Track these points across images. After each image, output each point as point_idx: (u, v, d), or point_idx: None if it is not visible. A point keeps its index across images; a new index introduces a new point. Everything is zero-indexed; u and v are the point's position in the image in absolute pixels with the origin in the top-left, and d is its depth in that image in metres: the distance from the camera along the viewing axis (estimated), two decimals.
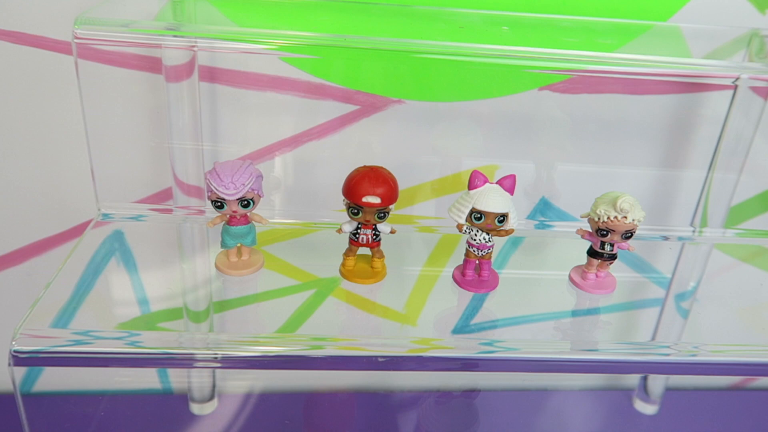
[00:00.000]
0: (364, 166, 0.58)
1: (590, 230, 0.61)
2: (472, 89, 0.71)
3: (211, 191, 0.57)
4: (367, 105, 0.71)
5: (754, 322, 0.64)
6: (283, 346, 0.52)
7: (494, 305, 0.61)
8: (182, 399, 0.87)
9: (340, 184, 0.58)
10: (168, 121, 0.67)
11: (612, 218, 0.58)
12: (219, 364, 0.52)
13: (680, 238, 0.77)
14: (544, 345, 0.55)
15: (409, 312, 0.59)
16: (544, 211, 0.78)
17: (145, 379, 0.90)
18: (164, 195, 0.74)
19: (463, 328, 0.57)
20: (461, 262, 0.63)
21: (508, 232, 0.58)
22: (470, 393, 0.89)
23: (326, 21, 0.66)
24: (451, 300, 0.62)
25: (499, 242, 0.63)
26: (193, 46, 0.62)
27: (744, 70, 0.63)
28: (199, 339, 0.54)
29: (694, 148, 0.76)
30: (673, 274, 0.71)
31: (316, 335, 0.53)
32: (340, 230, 0.61)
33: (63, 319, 0.53)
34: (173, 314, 0.58)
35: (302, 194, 0.75)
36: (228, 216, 0.59)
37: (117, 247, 0.65)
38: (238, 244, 0.61)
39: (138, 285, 0.61)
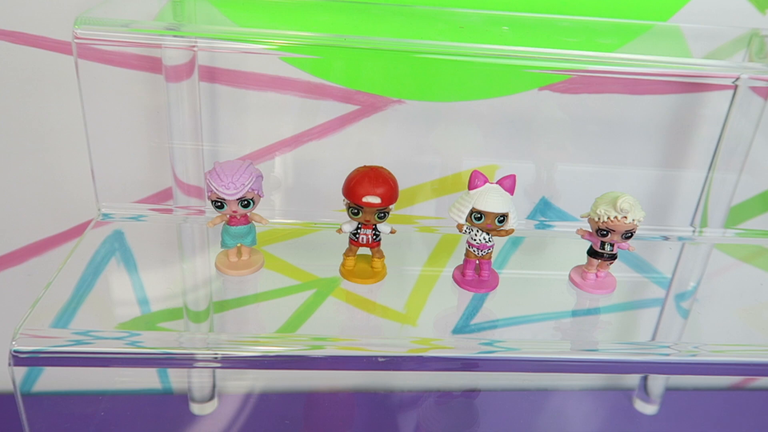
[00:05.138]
0: (364, 166, 0.58)
1: (590, 230, 0.61)
2: (472, 89, 0.71)
3: (211, 191, 0.57)
4: (367, 105, 0.71)
5: (754, 322, 0.64)
6: (283, 346, 0.52)
7: (494, 305, 0.61)
8: (182, 399, 0.87)
9: (340, 184, 0.58)
10: (168, 121, 0.67)
11: (612, 218, 0.58)
12: (219, 364, 0.52)
13: (680, 238, 0.77)
14: (544, 345, 0.55)
15: (409, 312, 0.59)
16: (544, 211, 0.78)
17: (145, 379, 0.90)
18: (164, 195, 0.74)
19: (463, 328, 0.57)
20: (461, 262, 0.63)
21: (508, 232, 0.58)
22: (470, 393, 0.89)
23: (326, 21, 0.66)
24: (451, 300, 0.62)
25: (499, 242, 0.63)
26: (193, 46, 0.62)
27: (744, 70, 0.63)
28: (199, 339, 0.54)
29: (694, 148, 0.76)
30: (673, 274, 0.71)
31: (316, 335, 0.53)
32: (340, 230, 0.61)
33: (63, 319, 0.53)
34: (173, 314, 0.58)
35: (302, 194, 0.75)
36: (228, 216, 0.59)
37: (117, 247, 0.65)
38: (238, 244, 0.61)
39: (138, 285, 0.61)
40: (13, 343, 0.49)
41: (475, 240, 0.59)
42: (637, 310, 0.65)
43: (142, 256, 0.64)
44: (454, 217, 0.58)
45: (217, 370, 0.86)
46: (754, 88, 0.70)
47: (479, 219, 0.57)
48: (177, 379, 0.89)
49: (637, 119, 0.74)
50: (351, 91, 0.70)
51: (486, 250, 0.60)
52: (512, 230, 0.58)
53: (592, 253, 0.62)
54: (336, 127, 0.72)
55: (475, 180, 0.57)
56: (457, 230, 0.60)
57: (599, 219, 0.59)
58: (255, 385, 0.90)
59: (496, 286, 0.62)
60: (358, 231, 0.60)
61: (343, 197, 0.58)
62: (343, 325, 0.59)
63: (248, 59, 0.69)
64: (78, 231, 0.78)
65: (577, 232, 0.63)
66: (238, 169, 0.57)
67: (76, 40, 0.55)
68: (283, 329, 0.56)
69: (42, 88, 0.70)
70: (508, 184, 0.58)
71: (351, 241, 0.61)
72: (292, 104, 0.71)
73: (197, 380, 0.85)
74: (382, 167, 0.58)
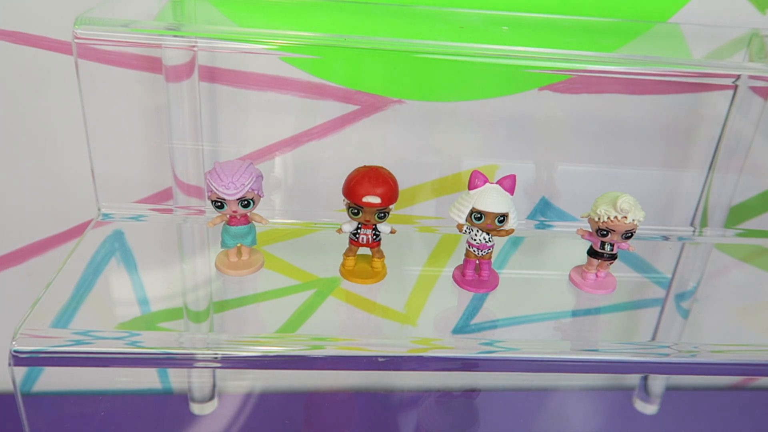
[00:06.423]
0: (364, 166, 0.58)
1: (590, 230, 0.61)
2: (472, 89, 0.71)
3: (212, 191, 0.57)
4: (368, 105, 0.71)
5: (754, 322, 0.64)
6: (283, 346, 0.52)
7: (494, 305, 0.61)
8: (182, 399, 0.87)
9: (341, 184, 0.58)
10: (168, 121, 0.67)
11: (612, 218, 0.58)
12: (219, 364, 0.52)
13: (680, 238, 0.77)
14: (544, 345, 0.55)
15: (409, 312, 0.59)
16: (544, 211, 0.78)
17: (145, 379, 0.90)
18: (164, 195, 0.74)
19: (463, 328, 0.57)
20: (461, 262, 0.63)
21: (508, 232, 0.58)
22: (470, 393, 0.89)
23: (326, 21, 0.66)
24: (451, 300, 0.62)
25: (499, 242, 0.63)
26: (193, 46, 0.62)
27: (744, 70, 0.63)
28: (199, 339, 0.54)
29: (694, 148, 0.76)
30: (673, 274, 0.71)
31: (316, 335, 0.53)
32: (340, 230, 0.61)
33: (63, 319, 0.53)
34: (173, 314, 0.58)
35: (302, 194, 0.75)
36: (228, 216, 0.59)
37: (117, 247, 0.65)
38: (238, 244, 0.61)
39: (138, 285, 0.61)
40: (13, 343, 0.49)
41: (475, 240, 0.59)
42: (637, 310, 0.65)
43: (142, 256, 0.64)
44: (454, 217, 0.58)
45: (217, 370, 0.86)
46: (754, 88, 0.70)
47: (479, 219, 0.57)
48: (177, 379, 0.89)
49: (637, 119, 0.74)
50: (351, 91, 0.70)
51: (486, 250, 0.60)
52: (512, 230, 0.58)
53: (592, 253, 0.62)
54: (336, 127, 0.72)
55: (475, 180, 0.57)
56: (457, 230, 0.60)
57: (599, 219, 0.59)
58: (255, 385, 0.90)
59: (496, 286, 0.62)
60: (358, 231, 0.60)
61: (343, 197, 0.58)
62: (343, 325, 0.59)
63: (248, 59, 0.69)
64: (78, 231, 0.78)
65: (577, 232, 0.63)
66: (238, 169, 0.57)
67: (76, 40, 0.55)
68: (283, 329, 0.56)
69: (42, 88, 0.70)
70: (508, 184, 0.58)
71: (351, 241, 0.61)
72: (292, 104, 0.71)
73: (197, 380, 0.85)
74: (382, 167, 0.58)
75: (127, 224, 0.68)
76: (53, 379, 0.83)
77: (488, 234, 0.59)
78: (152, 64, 0.67)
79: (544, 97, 0.72)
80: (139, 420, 0.87)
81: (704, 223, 0.78)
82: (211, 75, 0.69)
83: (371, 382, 0.92)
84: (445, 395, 0.89)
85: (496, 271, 0.64)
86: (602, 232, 0.59)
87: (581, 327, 0.61)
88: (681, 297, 0.68)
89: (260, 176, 0.59)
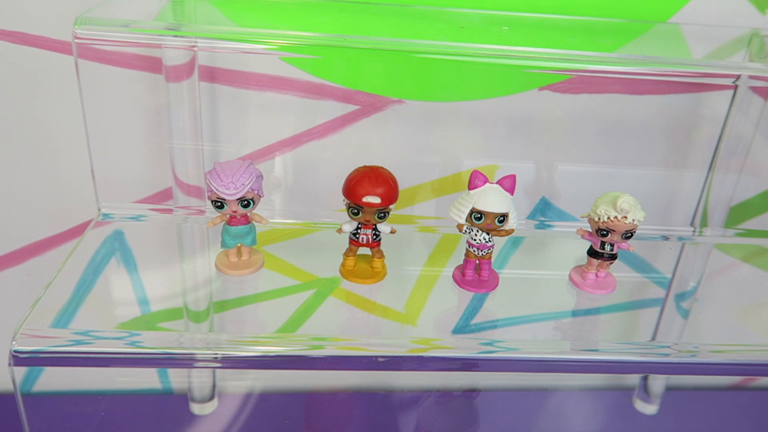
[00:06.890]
0: (364, 166, 0.58)
1: (590, 230, 0.61)
2: (472, 89, 0.71)
3: (212, 191, 0.57)
4: (368, 105, 0.71)
5: (754, 322, 0.64)
6: (283, 346, 0.52)
7: (494, 305, 0.61)
8: (182, 399, 0.87)
9: (341, 184, 0.58)
10: (168, 121, 0.67)
11: (612, 218, 0.58)
12: (219, 364, 0.52)
13: (680, 238, 0.77)
14: (544, 345, 0.55)
15: (409, 312, 0.59)
16: (544, 211, 0.78)
17: (145, 379, 0.90)
18: (164, 195, 0.74)
19: (463, 328, 0.57)
20: (461, 262, 0.63)
21: (508, 232, 0.58)
22: (470, 393, 0.89)
23: (326, 21, 0.66)
24: (451, 300, 0.62)
25: (499, 242, 0.63)
26: (193, 46, 0.62)
27: (744, 70, 0.63)
28: (199, 339, 0.54)
29: (694, 148, 0.76)
30: (673, 274, 0.71)
31: (316, 335, 0.53)
32: (340, 230, 0.61)
33: (63, 319, 0.53)
34: (173, 314, 0.58)
35: (302, 194, 0.75)
36: (228, 216, 0.59)
37: (117, 247, 0.65)
38: (238, 244, 0.61)
39: (138, 285, 0.61)
40: (13, 343, 0.49)
41: (475, 240, 0.59)
42: (637, 310, 0.65)
43: (142, 256, 0.64)
44: (454, 217, 0.58)
45: (217, 370, 0.86)
46: (754, 88, 0.70)
47: (479, 219, 0.57)
48: (177, 379, 0.89)
49: (637, 119, 0.74)
50: (351, 91, 0.70)
51: (486, 250, 0.60)
52: (512, 230, 0.58)
53: (592, 253, 0.62)
54: (336, 127, 0.72)
55: (475, 180, 0.57)
56: (457, 230, 0.60)
57: (599, 219, 0.59)
58: (255, 385, 0.90)
59: (496, 286, 0.62)
60: (358, 231, 0.60)
61: (343, 197, 0.58)
62: (343, 325, 0.59)
63: (248, 59, 0.69)
64: (78, 231, 0.78)
65: (577, 232, 0.63)
66: (238, 169, 0.57)
67: (76, 40, 0.55)
68: (283, 329, 0.56)
69: (42, 88, 0.70)
70: (508, 184, 0.58)
71: (351, 241, 0.61)
72: (292, 104, 0.71)
73: (197, 380, 0.85)
74: (382, 167, 0.58)
75: (127, 224, 0.68)
76: (53, 379, 0.83)
77: (488, 234, 0.59)
78: (152, 64, 0.67)
79: (544, 97, 0.72)
80: (139, 420, 0.87)
81: (704, 223, 0.78)
82: (211, 75, 0.69)
83: (371, 382, 0.92)
84: (445, 395, 0.89)
85: (496, 271, 0.64)
86: (602, 232, 0.59)
87: (581, 327, 0.61)
88: (681, 297, 0.68)
89: (260, 176, 0.59)
